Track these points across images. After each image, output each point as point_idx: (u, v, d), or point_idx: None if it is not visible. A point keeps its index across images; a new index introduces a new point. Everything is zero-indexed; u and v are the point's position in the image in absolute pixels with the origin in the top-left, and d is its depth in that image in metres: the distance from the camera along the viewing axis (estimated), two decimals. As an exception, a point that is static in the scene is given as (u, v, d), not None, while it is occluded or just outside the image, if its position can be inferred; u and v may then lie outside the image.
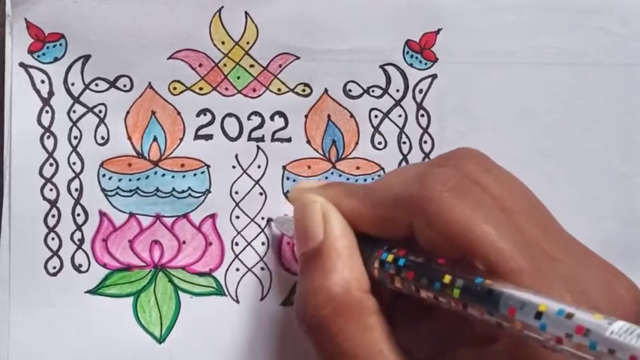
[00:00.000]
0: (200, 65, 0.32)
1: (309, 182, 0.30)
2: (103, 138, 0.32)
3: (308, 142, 0.33)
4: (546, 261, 0.23)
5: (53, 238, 0.32)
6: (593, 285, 0.23)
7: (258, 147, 0.33)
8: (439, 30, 0.33)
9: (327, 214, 0.27)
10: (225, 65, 0.32)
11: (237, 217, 0.33)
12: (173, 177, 0.32)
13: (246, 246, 0.33)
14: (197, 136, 0.33)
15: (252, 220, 0.33)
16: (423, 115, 0.33)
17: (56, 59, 0.32)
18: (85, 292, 0.32)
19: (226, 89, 0.33)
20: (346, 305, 0.25)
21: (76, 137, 0.32)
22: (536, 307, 0.20)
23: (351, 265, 0.26)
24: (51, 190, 0.32)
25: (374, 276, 0.26)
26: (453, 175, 0.24)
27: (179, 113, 0.33)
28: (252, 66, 0.33)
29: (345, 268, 0.26)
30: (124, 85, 0.32)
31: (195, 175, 0.32)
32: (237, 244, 0.33)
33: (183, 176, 0.32)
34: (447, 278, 0.23)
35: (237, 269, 0.32)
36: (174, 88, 0.32)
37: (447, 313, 0.23)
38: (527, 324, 0.20)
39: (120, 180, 0.32)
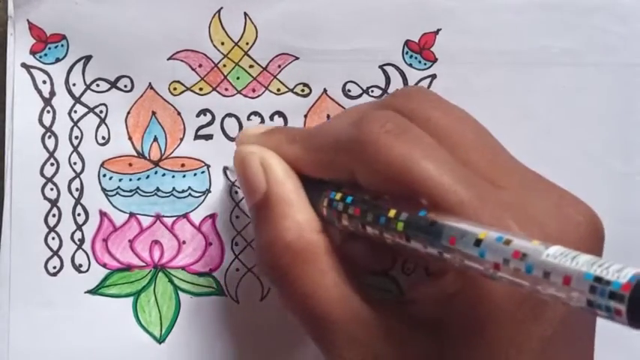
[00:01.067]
0: (200, 66, 0.33)
1: (253, 128, 0.30)
2: (103, 138, 0.32)
3: (307, 142, 0.33)
4: (491, 190, 0.23)
5: (54, 238, 0.32)
6: (542, 210, 0.23)
7: (257, 147, 0.33)
8: (438, 30, 0.33)
9: (267, 163, 0.27)
10: (224, 66, 0.33)
11: (237, 217, 0.33)
12: (173, 177, 0.33)
13: (246, 246, 0.33)
14: (197, 136, 0.33)
15: (252, 220, 0.33)
16: (422, 115, 0.33)
17: (58, 60, 0.32)
18: (85, 292, 0.32)
19: (226, 89, 0.33)
20: (302, 250, 0.25)
21: (77, 137, 0.32)
22: (476, 235, 0.20)
23: (299, 208, 0.26)
24: (52, 189, 0.32)
25: (322, 216, 0.26)
26: (391, 117, 0.24)
27: (179, 113, 0.33)
28: (251, 66, 0.33)
29: (295, 212, 0.26)
30: (125, 86, 0.32)
31: (195, 175, 0.33)
32: (237, 244, 0.33)
33: (184, 176, 0.33)
34: (392, 212, 0.23)
35: (237, 269, 0.33)
36: (175, 89, 0.33)
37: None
38: (466, 253, 0.20)
39: (120, 180, 0.32)
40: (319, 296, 0.25)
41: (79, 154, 0.32)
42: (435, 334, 0.24)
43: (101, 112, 0.32)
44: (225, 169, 0.33)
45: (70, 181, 0.32)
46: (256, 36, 0.33)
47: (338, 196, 0.25)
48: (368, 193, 0.25)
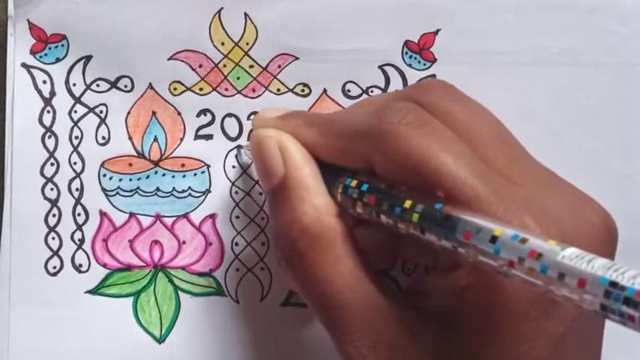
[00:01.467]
0: (200, 66, 0.33)
1: (270, 111, 0.30)
2: (103, 138, 0.32)
3: (307, 142, 0.33)
4: (508, 186, 0.23)
5: (54, 238, 0.32)
6: (558, 208, 0.23)
7: (257, 147, 0.33)
8: (438, 30, 0.33)
9: (285, 147, 0.27)
10: (225, 66, 0.33)
11: (237, 217, 0.33)
12: (173, 177, 0.33)
13: (246, 246, 0.33)
14: (197, 136, 0.33)
15: (252, 220, 0.33)
16: (422, 115, 0.33)
17: (58, 60, 0.32)
18: (85, 292, 0.32)
19: (226, 90, 0.33)
20: (319, 234, 0.25)
21: (77, 137, 0.32)
22: (492, 231, 0.20)
23: (317, 193, 0.26)
24: (52, 189, 0.32)
25: (337, 202, 0.26)
26: (411, 108, 0.25)
27: (179, 113, 0.33)
28: (251, 66, 0.33)
29: (312, 196, 0.26)
30: (125, 86, 0.33)
31: (195, 174, 0.33)
32: (237, 244, 0.33)
33: (184, 176, 0.33)
34: (408, 203, 0.23)
35: (237, 269, 0.33)
36: (175, 89, 0.33)
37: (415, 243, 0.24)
38: (481, 249, 0.20)
39: (120, 180, 0.32)
40: (334, 282, 0.25)
41: (79, 154, 0.32)
42: (447, 327, 0.24)
43: (101, 112, 0.32)
44: (238, 147, 0.32)
45: (70, 181, 0.32)
46: (256, 36, 0.33)
47: (353, 183, 0.25)
48: (384, 182, 0.25)
